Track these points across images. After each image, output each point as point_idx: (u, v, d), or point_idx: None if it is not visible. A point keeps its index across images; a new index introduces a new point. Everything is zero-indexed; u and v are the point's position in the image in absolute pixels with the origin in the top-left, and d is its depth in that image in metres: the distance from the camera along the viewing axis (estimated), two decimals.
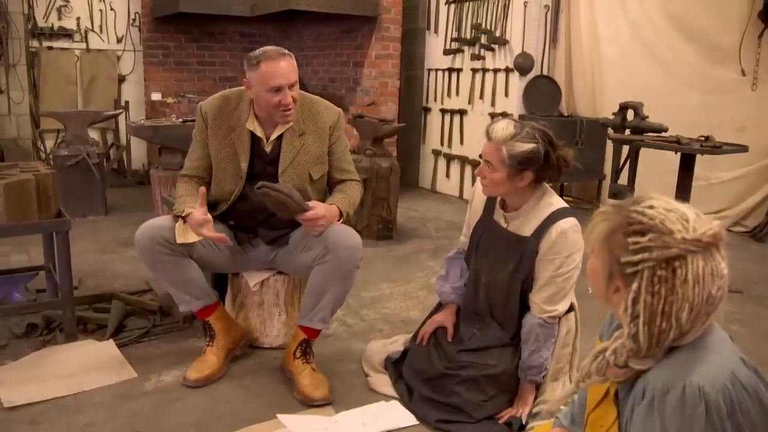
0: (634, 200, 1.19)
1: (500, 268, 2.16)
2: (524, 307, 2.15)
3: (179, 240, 2.28)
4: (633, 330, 1.13)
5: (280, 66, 2.25)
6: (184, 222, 2.30)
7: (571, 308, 2.18)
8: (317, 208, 2.26)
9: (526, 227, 2.11)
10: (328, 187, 2.56)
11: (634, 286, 1.12)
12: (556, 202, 2.11)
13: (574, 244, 2.03)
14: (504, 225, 2.17)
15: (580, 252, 2.05)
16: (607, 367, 1.19)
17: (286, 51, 2.30)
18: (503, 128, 2.01)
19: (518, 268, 2.11)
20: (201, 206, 2.26)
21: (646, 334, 1.12)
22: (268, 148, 2.42)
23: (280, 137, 2.40)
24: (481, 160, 2.08)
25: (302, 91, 2.44)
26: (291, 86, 2.28)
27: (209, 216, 2.26)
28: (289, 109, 2.32)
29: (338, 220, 2.36)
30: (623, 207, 1.18)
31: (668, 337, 1.12)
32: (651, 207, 1.15)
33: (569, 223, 2.04)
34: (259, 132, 2.40)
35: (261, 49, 2.30)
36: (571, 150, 2.09)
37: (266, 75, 2.24)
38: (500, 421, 2.12)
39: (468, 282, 2.31)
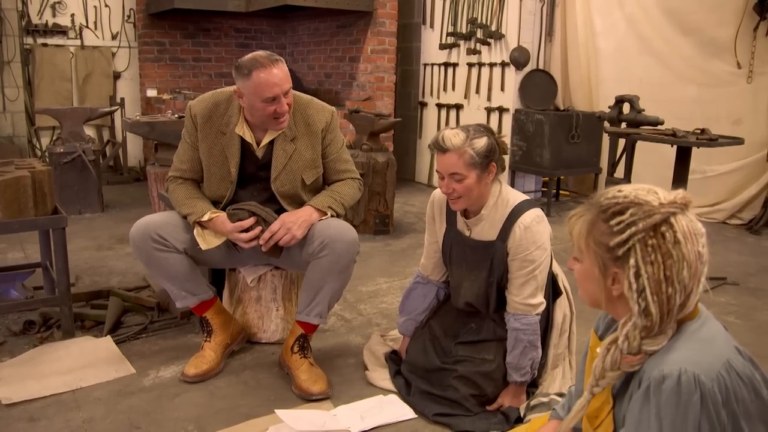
0: (600, 193, 1.22)
1: (475, 277, 2.16)
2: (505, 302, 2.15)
3: (204, 247, 2.28)
4: (642, 305, 1.14)
5: (274, 74, 2.16)
6: (202, 228, 2.31)
7: (560, 292, 2.19)
8: (273, 224, 2.28)
9: (490, 231, 2.10)
10: (327, 187, 2.52)
11: (632, 261, 1.14)
12: (512, 196, 2.10)
13: (541, 234, 2.04)
14: (467, 234, 2.17)
15: (548, 239, 2.07)
16: (621, 357, 1.18)
17: (277, 56, 2.22)
18: (455, 135, 1.99)
19: (491, 273, 2.10)
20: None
21: (656, 304, 1.13)
22: (259, 153, 2.37)
23: (271, 141, 2.35)
24: (443, 177, 2.03)
25: (296, 92, 2.39)
26: (285, 94, 2.22)
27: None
28: (284, 117, 2.28)
29: (322, 218, 2.34)
30: (593, 201, 1.21)
31: (676, 302, 1.13)
32: (620, 190, 1.19)
33: (530, 216, 2.03)
34: (249, 137, 2.34)
35: (250, 56, 2.21)
36: (504, 135, 2.12)
37: (260, 85, 2.15)
38: (497, 409, 2.13)
39: (451, 290, 2.32)
